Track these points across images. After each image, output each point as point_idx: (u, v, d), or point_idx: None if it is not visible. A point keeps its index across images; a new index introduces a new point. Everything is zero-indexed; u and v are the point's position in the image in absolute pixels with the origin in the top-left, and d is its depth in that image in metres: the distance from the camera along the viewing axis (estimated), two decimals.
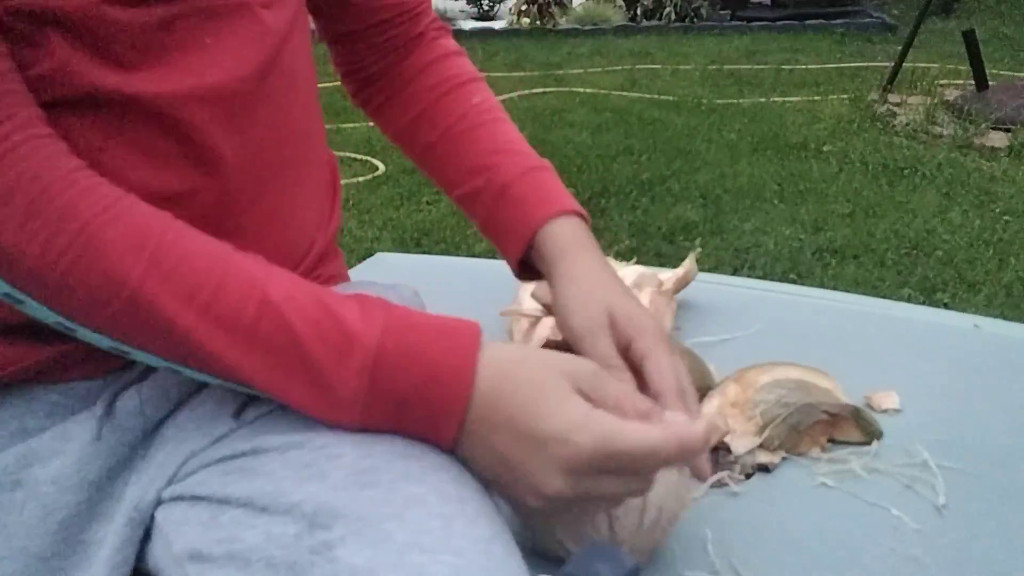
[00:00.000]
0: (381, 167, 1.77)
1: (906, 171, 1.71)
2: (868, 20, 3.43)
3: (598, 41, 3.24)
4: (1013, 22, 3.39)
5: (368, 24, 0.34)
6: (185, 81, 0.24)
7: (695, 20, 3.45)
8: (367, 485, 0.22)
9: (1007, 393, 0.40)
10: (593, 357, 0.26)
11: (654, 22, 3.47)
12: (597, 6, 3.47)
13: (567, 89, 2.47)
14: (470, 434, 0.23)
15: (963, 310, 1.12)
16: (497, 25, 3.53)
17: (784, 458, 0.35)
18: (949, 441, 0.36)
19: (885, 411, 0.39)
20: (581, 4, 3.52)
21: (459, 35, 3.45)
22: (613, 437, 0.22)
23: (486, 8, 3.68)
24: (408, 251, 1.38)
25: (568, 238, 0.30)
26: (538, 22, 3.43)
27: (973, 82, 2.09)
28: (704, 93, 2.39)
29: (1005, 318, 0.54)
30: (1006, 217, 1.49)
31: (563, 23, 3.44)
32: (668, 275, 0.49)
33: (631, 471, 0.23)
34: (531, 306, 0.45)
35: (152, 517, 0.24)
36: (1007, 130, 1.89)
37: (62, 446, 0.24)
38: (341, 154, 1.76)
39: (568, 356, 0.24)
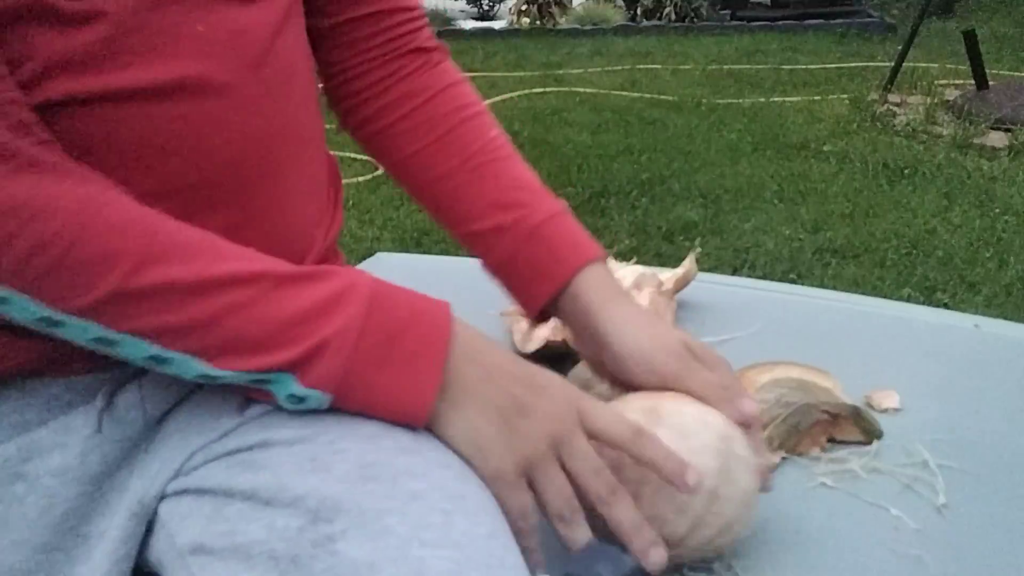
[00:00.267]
0: (381, 167, 1.77)
1: (906, 171, 1.71)
2: (868, 20, 3.43)
3: (598, 41, 3.24)
4: (1013, 22, 3.39)
5: (360, 15, 0.32)
6: (178, 69, 0.24)
7: (695, 20, 3.45)
8: (370, 479, 0.22)
9: (1008, 393, 0.40)
10: (696, 391, 0.27)
11: (654, 22, 3.47)
12: (597, 6, 3.47)
13: (567, 89, 2.47)
14: (456, 384, 0.23)
15: (963, 310, 1.12)
16: (497, 25, 3.53)
17: (784, 458, 0.35)
18: (949, 441, 0.36)
19: (885, 410, 0.39)
20: (581, 4, 3.52)
21: (459, 35, 3.49)
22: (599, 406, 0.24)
23: (486, 8, 3.68)
24: (408, 251, 1.38)
25: (608, 285, 0.31)
26: (538, 22, 3.43)
27: (973, 82, 2.09)
28: (704, 93, 2.39)
29: (1005, 318, 0.54)
30: (1006, 217, 1.48)
31: (563, 23, 3.44)
32: (668, 275, 0.49)
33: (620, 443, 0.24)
34: None
35: (155, 511, 0.24)
36: (1007, 130, 1.89)
37: (63, 439, 0.24)
38: (341, 154, 1.76)
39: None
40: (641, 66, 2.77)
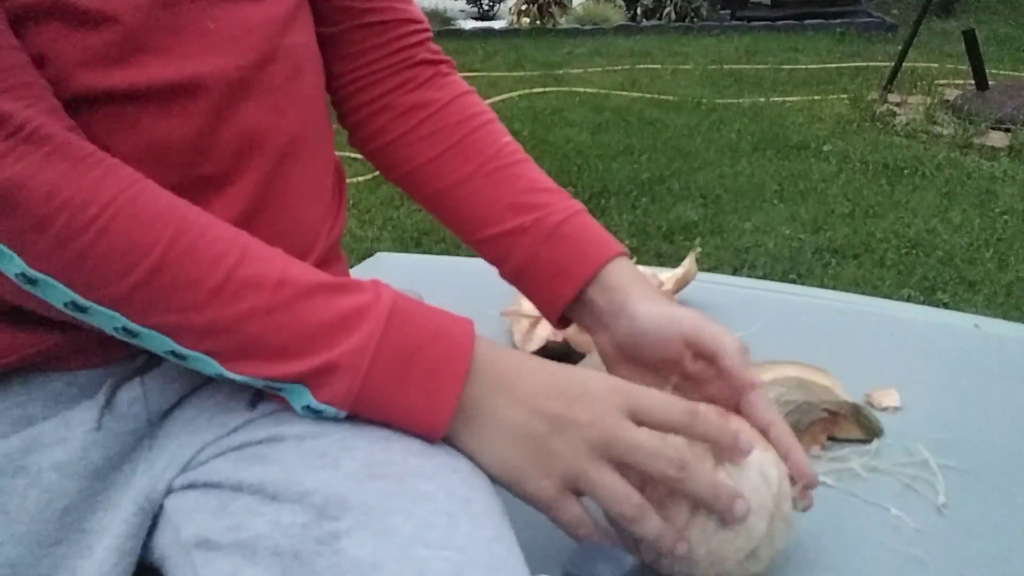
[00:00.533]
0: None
1: (906, 171, 1.71)
2: (868, 20, 3.43)
3: (598, 41, 3.24)
4: (1013, 22, 3.39)
5: (366, 23, 0.33)
6: (189, 67, 0.24)
7: (695, 20, 3.45)
8: (377, 477, 0.22)
9: (1008, 393, 0.40)
10: (665, 360, 0.27)
11: (654, 22, 3.47)
12: (597, 6, 3.47)
13: (567, 89, 2.47)
14: (480, 401, 0.23)
15: (963, 310, 1.12)
16: (497, 25, 3.53)
17: None
18: (950, 440, 0.36)
19: (885, 409, 0.39)
20: (581, 4, 3.52)
21: (459, 35, 3.49)
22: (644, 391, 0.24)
23: (486, 8, 3.67)
24: (408, 251, 1.39)
25: (638, 275, 0.30)
26: (538, 22, 3.43)
27: (973, 82, 2.09)
28: (704, 93, 2.39)
29: (1005, 318, 0.54)
30: (1006, 217, 1.48)
31: (563, 23, 3.44)
32: (668, 275, 0.49)
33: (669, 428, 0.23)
34: (531, 307, 0.45)
35: (161, 507, 0.24)
36: (1007, 130, 1.89)
37: (65, 433, 0.24)
38: (340, 154, 1.75)
39: None
40: (641, 66, 2.77)
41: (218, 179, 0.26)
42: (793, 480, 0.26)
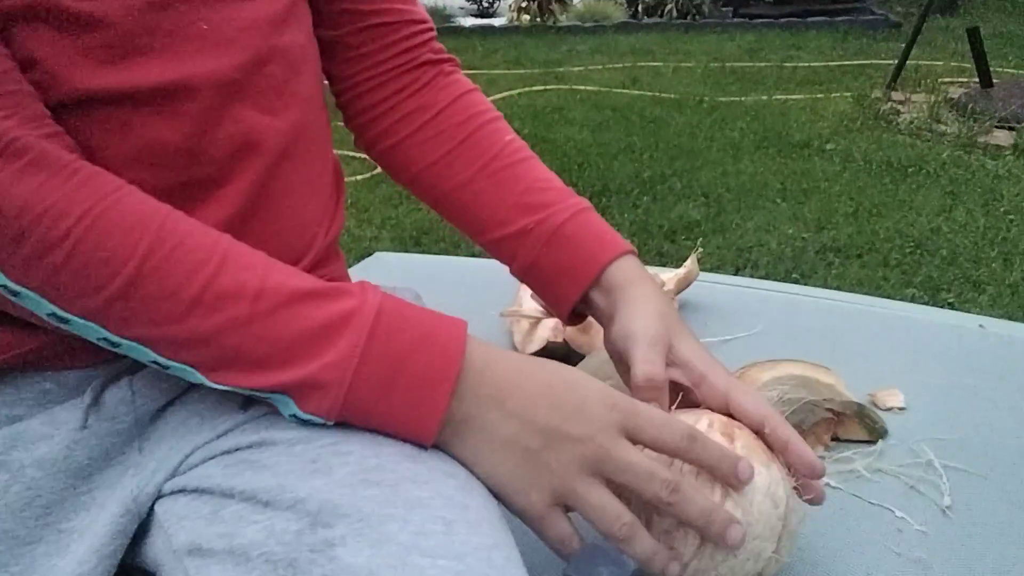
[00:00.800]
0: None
1: (910, 169, 1.70)
2: (871, 17, 3.41)
3: (599, 38, 3.23)
4: (1018, 20, 3.37)
5: (368, 25, 0.32)
6: (181, 69, 0.24)
7: (697, 17, 3.44)
8: (372, 484, 0.21)
9: (1013, 394, 0.40)
10: (640, 364, 0.26)
11: (655, 19, 3.46)
12: (598, 3, 3.46)
13: (568, 87, 2.46)
14: (471, 412, 0.23)
15: (968, 310, 1.12)
16: (497, 22, 3.52)
17: None
18: (954, 441, 0.36)
19: (890, 409, 0.39)
20: (582, 1, 3.51)
21: (459, 32, 3.48)
22: (644, 407, 0.23)
23: (486, 5, 3.67)
24: (407, 250, 1.38)
25: (633, 274, 0.30)
26: (538, 19, 3.42)
27: (977, 80, 2.08)
28: (706, 91, 2.38)
29: (1010, 318, 0.54)
30: (1011, 216, 1.47)
31: (563, 20, 3.43)
32: (670, 275, 0.48)
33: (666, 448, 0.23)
34: (531, 307, 0.44)
35: (151, 511, 0.24)
36: (1012, 128, 1.88)
37: (50, 431, 0.24)
38: (340, 152, 1.74)
39: None
40: (642, 64, 2.77)
41: (212, 181, 0.25)
42: (792, 471, 0.25)
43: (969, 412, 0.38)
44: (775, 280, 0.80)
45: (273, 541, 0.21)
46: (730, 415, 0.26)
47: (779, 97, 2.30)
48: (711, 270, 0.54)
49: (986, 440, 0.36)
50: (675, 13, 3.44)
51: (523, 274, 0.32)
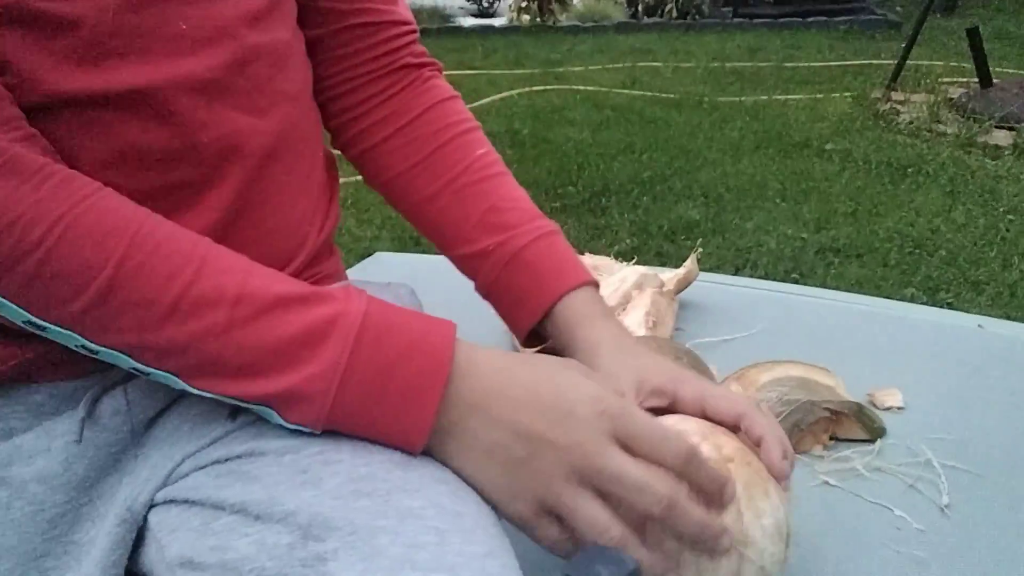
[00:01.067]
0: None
1: (909, 170, 1.70)
2: (871, 17, 3.41)
3: (599, 38, 3.23)
4: (1017, 20, 3.37)
5: (349, 25, 0.31)
6: (161, 70, 0.23)
7: (697, 17, 3.44)
8: (362, 495, 0.21)
9: (1012, 393, 0.40)
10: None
11: (655, 19, 3.46)
12: (598, 3, 3.46)
13: (567, 87, 2.46)
14: (455, 420, 0.22)
15: (967, 310, 1.12)
16: (497, 22, 3.52)
17: None
18: (953, 441, 0.36)
19: (888, 409, 0.39)
20: (582, 1, 3.51)
21: (458, 32, 3.48)
22: (638, 413, 0.22)
23: (486, 5, 3.67)
24: (407, 250, 1.38)
25: (590, 309, 0.29)
26: (538, 19, 3.42)
27: (977, 80, 2.08)
28: (706, 91, 2.38)
29: (1009, 318, 0.54)
30: (1010, 216, 1.48)
31: (563, 20, 3.43)
32: (670, 275, 0.48)
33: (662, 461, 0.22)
34: None
35: (146, 520, 0.24)
36: (1011, 128, 1.88)
37: (47, 444, 0.24)
38: (339, 152, 1.75)
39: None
40: (642, 64, 2.76)
41: (196, 184, 0.25)
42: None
43: (968, 412, 0.38)
44: (774, 280, 0.79)
45: (264, 556, 0.20)
46: (708, 419, 0.26)
47: (779, 97, 2.30)
48: (711, 270, 0.54)
49: (985, 439, 0.36)
50: (675, 13, 3.44)
51: (484, 294, 0.32)
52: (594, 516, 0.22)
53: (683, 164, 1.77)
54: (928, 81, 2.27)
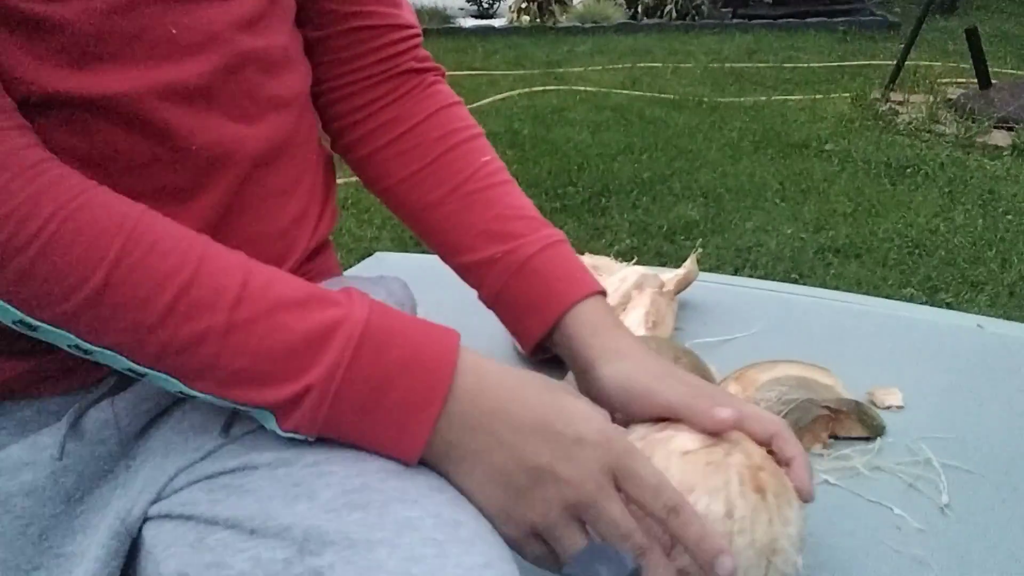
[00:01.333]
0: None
1: (908, 170, 1.71)
2: (870, 18, 3.41)
3: (599, 39, 3.23)
4: (1016, 20, 3.38)
5: (352, 27, 0.30)
6: (151, 75, 0.23)
7: (696, 18, 3.44)
8: (357, 506, 0.21)
9: (1011, 393, 0.40)
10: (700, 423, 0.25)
11: (655, 20, 3.46)
12: (598, 4, 3.47)
13: (567, 87, 2.46)
14: (459, 438, 0.22)
15: (966, 310, 1.12)
16: (497, 23, 3.52)
17: None
18: (953, 440, 0.36)
19: (888, 408, 0.39)
20: (581, 2, 3.51)
21: (458, 33, 3.48)
22: (637, 453, 0.22)
23: (486, 6, 3.67)
24: (407, 250, 1.38)
25: (602, 319, 0.29)
26: (538, 20, 3.42)
27: (976, 80, 2.08)
28: (705, 91, 2.39)
29: (1008, 318, 0.54)
30: (1009, 216, 1.48)
31: (563, 21, 3.43)
32: (669, 275, 0.48)
33: (646, 503, 0.22)
34: None
35: (140, 534, 0.24)
36: (1010, 129, 1.88)
37: (32, 457, 0.23)
38: (339, 155, 1.74)
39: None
40: (642, 64, 2.76)
41: (181, 191, 0.24)
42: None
43: (967, 411, 0.38)
44: (774, 280, 0.80)
45: (261, 572, 0.20)
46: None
47: (778, 98, 2.30)
48: (710, 270, 0.54)
49: (984, 439, 0.36)
50: (674, 14, 3.44)
51: (490, 303, 0.31)
52: (577, 547, 0.22)
53: (683, 164, 1.78)
54: (927, 82, 2.27)
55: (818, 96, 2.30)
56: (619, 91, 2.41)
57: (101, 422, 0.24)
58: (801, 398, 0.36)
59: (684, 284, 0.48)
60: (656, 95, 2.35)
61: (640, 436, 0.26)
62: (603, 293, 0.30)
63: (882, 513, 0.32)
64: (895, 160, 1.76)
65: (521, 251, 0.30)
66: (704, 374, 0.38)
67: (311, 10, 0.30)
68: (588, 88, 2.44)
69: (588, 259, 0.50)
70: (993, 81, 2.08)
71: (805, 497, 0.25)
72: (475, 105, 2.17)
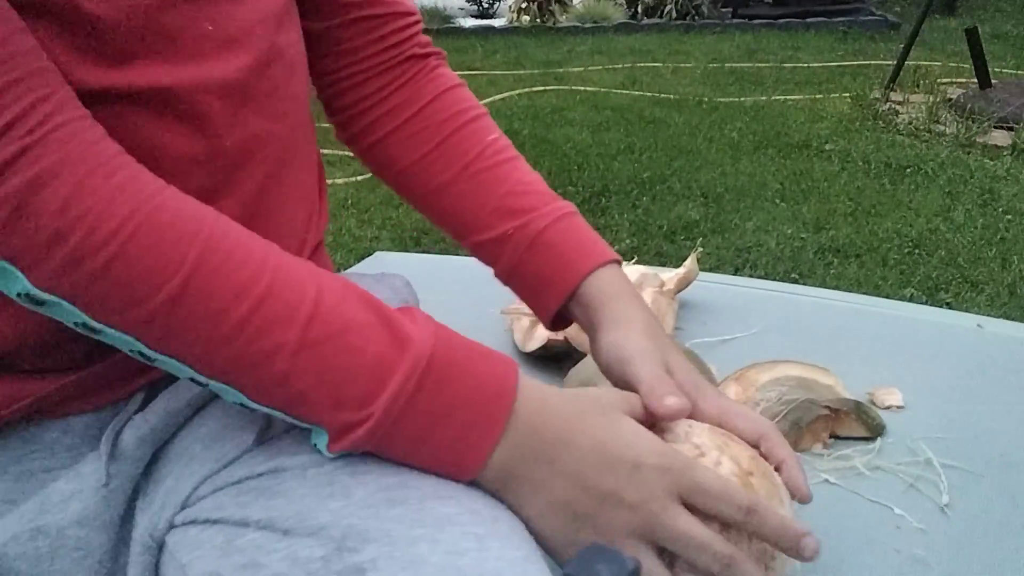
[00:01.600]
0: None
1: (908, 170, 1.71)
2: (870, 18, 3.41)
3: (599, 39, 3.23)
4: (1016, 20, 3.37)
5: (355, 18, 0.30)
6: (187, 71, 0.23)
7: (696, 18, 3.44)
8: (395, 502, 0.21)
9: (1011, 393, 0.40)
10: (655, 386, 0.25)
11: (655, 20, 3.46)
12: (598, 4, 3.47)
13: (567, 87, 2.46)
14: (520, 469, 0.22)
15: (966, 310, 1.12)
16: (497, 23, 3.52)
17: None
18: (953, 440, 0.36)
19: (888, 407, 0.39)
20: (581, 2, 3.51)
21: (458, 33, 3.48)
22: (702, 470, 0.22)
23: (486, 6, 3.67)
24: (407, 250, 1.38)
25: (614, 286, 0.29)
26: (538, 20, 3.42)
27: (976, 80, 2.08)
28: (705, 91, 2.39)
29: (1008, 318, 0.54)
30: (1009, 216, 1.48)
31: (563, 21, 3.44)
32: (670, 275, 0.48)
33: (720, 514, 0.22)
34: None
35: (163, 542, 0.23)
36: (1010, 128, 1.88)
37: (79, 485, 0.23)
38: (340, 152, 1.75)
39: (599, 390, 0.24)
40: (642, 64, 2.77)
41: (214, 191, 0.24)
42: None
43: (967, 411, 0.38)
44: (774, 280, 0.80)
45: (299, 570, 0.19)
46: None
47: (778, 98, 2.31)
48: (710, 270, 0.54)
49: (984, 439, 0.36)
50: (674, 14, 3.44)
51: (505, 279, 0.31)
52: (651, 572, 0.22)
53: (683, 164, 1.78)
54: (927, 81, 2.26)
55: (818, 96, 2.30)
56: (619, 91, 2.41)
57: (137, 439, 0.24)
58: (801, 398, 0.36)
59: (684, 284, 0.48)
60: (656, 95, 2.35)
61: None
62: (618, 261, 0.30)
63: (882, 513, 0.32)
64: (895, 160, 1.76)
65: (533, 225, 0.30)
66: (704, 374, 0.38)
67: (317, 3, 0.30)
68: (588, 88, 2.44)
69: None
70: (993, 81, 2.09)
71: (801, 498, 0.25)
72: None
